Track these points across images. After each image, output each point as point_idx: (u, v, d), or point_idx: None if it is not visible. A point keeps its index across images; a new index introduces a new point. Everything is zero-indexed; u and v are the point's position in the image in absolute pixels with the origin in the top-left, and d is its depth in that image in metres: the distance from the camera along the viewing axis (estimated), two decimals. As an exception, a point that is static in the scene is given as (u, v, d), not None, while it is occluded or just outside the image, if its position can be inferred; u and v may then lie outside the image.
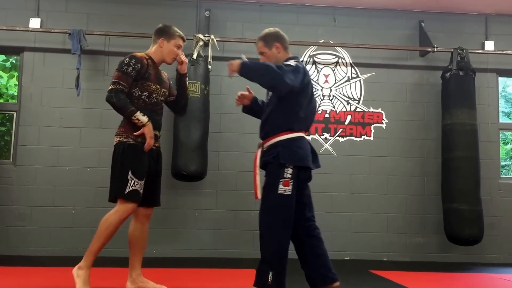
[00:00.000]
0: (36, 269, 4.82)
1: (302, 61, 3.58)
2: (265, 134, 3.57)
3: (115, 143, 3.65)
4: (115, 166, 3.59)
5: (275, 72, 3.34)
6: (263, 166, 3.52)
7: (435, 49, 6.20)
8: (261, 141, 3.59)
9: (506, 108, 9.12)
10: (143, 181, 3.57)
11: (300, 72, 3.48)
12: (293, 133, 3.47)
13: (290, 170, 3.39)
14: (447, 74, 6.06)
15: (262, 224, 3.43)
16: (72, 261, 5.34)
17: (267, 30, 3.71)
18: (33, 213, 5.90)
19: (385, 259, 6.12)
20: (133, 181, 3.51)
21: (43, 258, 5.56)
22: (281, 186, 3.37)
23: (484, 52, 6.43)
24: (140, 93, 3.63)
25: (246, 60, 3.46)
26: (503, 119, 6.54)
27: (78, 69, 5.79)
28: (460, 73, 5.99)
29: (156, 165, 3.74)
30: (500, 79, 6.69)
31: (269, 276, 3.30)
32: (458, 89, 5.96)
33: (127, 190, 3.49)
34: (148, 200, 3.70)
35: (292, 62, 3.50)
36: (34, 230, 5.87)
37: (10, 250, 5.76)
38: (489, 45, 6.45)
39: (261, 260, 3.39)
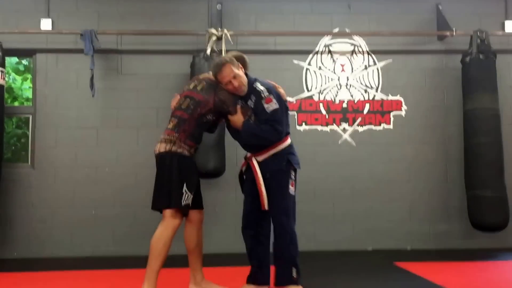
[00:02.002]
0: (61, 273, 4.85)
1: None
2: (259, 147, 3.72)
3: (165, 150, 3.60)
4: (168, 176, 3.57)
5: (272, 134, 3.64)
6: (266, 175, 3.68)
7: (454, 33, 6.03)
8: (250, 154, 3.79)
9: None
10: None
11: (282, 107, 3.70)
12: (287, 139, 3.77)
13: (293, 173, 3.74)
14: (467, 58, 5.89)
15: (281, 225, 3.66)
16: (95, 262, 5.44)
17: (231, 54, 3.84)
18: (53, 215, 5.91)
19: (408, 248, 6.04)
20: (187, 195, 3.57)
21: (66, 260, 5.60)
22: (290, 188, 3.70)
23: (505, 33, 6.25)
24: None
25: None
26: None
27: (91, 69, 5.74)
28: (481, 56, 5.82)
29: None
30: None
31: (293, 272, 3.61)
32: (479, 73, 5.80)
33: (183, 203, 3.55)
34: (198, 203, 3.79)
35: (274, 102, 3.63)
36: (55, 231, 5.89)
37: (33, 253, 5.79)
38: (510, 26, 6.25)
39: (282, 259, 3.64)
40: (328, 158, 6.11)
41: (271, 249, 3.82)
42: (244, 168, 3.90)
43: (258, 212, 3.77)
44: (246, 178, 3.87)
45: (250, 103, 3.69)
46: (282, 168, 3.67)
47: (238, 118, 3.68)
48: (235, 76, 3.63)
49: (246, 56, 3.88)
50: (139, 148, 5.97)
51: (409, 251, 5.99)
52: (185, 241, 3.83)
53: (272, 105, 3.61)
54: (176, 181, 3.55)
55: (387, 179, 6.16)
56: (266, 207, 3.67)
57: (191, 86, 3.78)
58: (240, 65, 3.72)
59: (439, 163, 6.21)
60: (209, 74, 3.81)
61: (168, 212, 3.57)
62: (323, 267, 4.61)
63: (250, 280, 3.85)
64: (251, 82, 3.72)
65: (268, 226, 3.83)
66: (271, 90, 3.69)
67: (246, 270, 3.91)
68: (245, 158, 3.85)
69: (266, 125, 3.61)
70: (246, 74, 3.75)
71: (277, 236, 3.68)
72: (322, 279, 4.10)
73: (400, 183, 6.17)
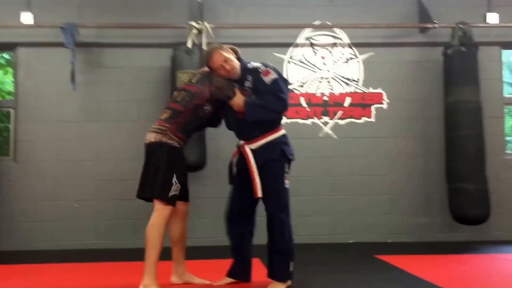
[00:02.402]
0: (44, 266, 4.86)
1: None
2: (254, 134, 3.67)
3: (155, 140, 3.59)
4: (157, 166, 3.56)
5: (278, 102, 3.59)
6: (260, 164, 3.64)
7: (436, 25, 6.02)
8: (243, 142, 3.71)
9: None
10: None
11: (283, 78, 3.74)
12: (281, 129, 3.73)
13: (287, 165, 3.70)
14: (449, 51, 5.89)
15: (280, 220, 3.62)
16: (77, 254, 5.46)
17: (216, 45, 3.79)
18: (35, 209, 5.93)
19: (389, 241, 6.07)
20: (176, 186, 3.57)
21: (48, 253, 5.62)
22: (286, 181, 3.66)
23: (487, 25, 6.24)
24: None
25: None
26: (509, 91, 6.34)
27: (72, 63, 5.72)
28: (463, 49, 5.82)
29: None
30: (504, 51, 6.49)
31: (290, 266, 3.64)
32: (461, 65, 5.80)
33: (170, 194, 3.55)
34: (185, 195, 3.79)
35: (272, 73, 3.63)
36: (38, 225, 5.92)
37: (15, 246, 5.82)
38: (491, 17, 6.23)
39: (280, 253, 3.63)
40: (309, 151, 6.09)
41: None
42: (235, 158, 3.82)
43: (246, 206, 3.76)
44: (238, 168, 3.79)
45: (248, 83, 3.67)
46: (275, 158, 3.63)
47: (239, 98, 3.62)
48: (226, 60, 3.62)
49: (236, 48, 3.85)
50: (120, 141, 5.99)
51: (390, 243, 6.00)
52: (170, 233, 3.83)
53: (271, 76, 3.61)
54: (166, 171, 3.55)
55: (368, 172, 6.17)
56: (260, 194, 3.61)
57: (187, 80, 3.80)
58: (231, 51, 3.72)
59: (421, 155, 6.22)
60: (204, 68, 3.81)
61: (157, 202, 3.58)
62: (303, 260, 4.61)
63: (232, 275, 3.85)
64: (244, 64, 3.72)
65: (253, 222, 3.82)
66: (267, 64, 3.71)
67: (225, 262, 3.90)
68: (237, 147, 3.79)
69: (268, 96, 3.58)
70: (239, 59, 3.74)
71: (275, 232, 3.64)
72: (302, 271, 4.11)
73: (381, 176, 6.18)
